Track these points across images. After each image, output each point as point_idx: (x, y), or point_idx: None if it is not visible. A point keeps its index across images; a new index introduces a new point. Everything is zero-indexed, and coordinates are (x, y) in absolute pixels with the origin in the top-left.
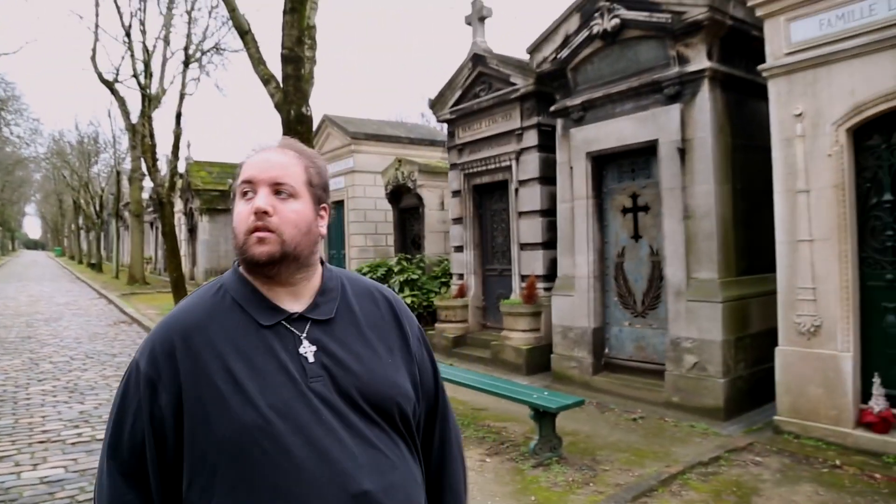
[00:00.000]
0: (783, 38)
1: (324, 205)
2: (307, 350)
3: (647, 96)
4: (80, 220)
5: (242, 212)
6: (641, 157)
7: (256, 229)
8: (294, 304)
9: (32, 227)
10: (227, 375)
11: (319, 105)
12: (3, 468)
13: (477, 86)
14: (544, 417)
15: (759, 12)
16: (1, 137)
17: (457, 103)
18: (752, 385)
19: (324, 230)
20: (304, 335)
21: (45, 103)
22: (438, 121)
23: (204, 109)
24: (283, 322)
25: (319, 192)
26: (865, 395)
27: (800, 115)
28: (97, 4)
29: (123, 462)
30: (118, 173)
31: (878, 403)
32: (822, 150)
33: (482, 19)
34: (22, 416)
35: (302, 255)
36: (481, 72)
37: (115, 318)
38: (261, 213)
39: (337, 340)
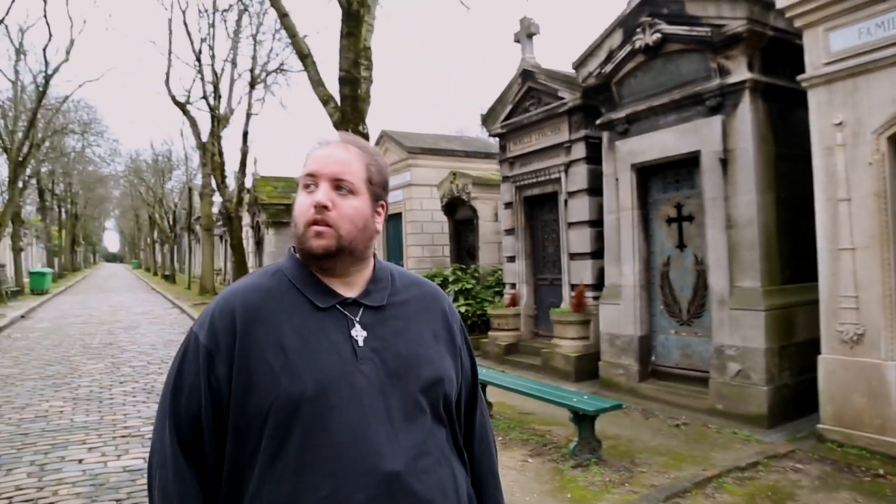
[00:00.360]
0: (822, 47)
1: (381, 202)
2: (359, 334)
3: (689, 108)
4: (155, 234)
5: (303, 203)
6: (685, 168)
7: (315, 222)
8: (348, 290)
9: (112, 240)
10: (278, 351)
11: (383, 120)
12: (93, 458)
13: (526, 100)
14: (583, 420)
15: (797, 23)
16: (84, 158)
17: (507, 118)
18: (797, 394)
19: (380, 226)
20: (357, 319)
21: (122, 124)
22: (490, 135)
23: (269, 126)
24: (337, 306)
25: (378, 189)
26: None
27: (840, 124)
28: (170, 32)
29: (181, 432)
30: (190, 189)
31: None
32: (863, 159)
33: (530, 36)
34: (106, 413)
35: (357, 249)
36: (530, 87)
37: (187, 327)
38: (320, 208)
39: (387, 326)
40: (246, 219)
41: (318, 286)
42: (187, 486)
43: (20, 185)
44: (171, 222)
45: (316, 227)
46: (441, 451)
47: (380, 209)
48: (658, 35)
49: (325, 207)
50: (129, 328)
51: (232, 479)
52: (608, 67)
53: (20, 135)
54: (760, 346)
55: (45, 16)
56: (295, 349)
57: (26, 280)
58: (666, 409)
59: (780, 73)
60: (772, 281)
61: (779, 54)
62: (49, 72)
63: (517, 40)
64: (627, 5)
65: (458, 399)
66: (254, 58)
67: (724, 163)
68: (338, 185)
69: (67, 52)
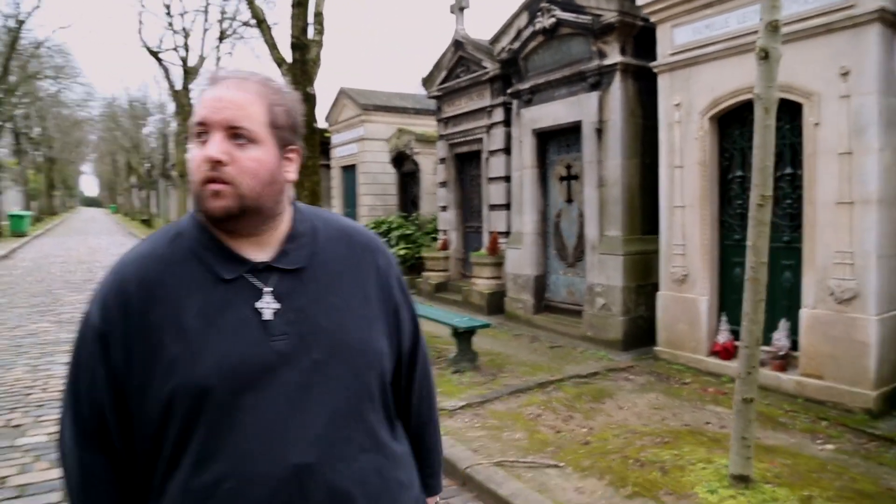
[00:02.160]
0: (668, 41)
1: (291, 147)
2: (268, 305)
3: (576, 84)
4: (133, 179)
5: (196, 157)
6: (573, 134)
7: (210, 180)
8: (259, 253)
9: (90, 185)
10: (177, 331)
11: (352, 74)
12: None
13: (458, 67)
14: (461, 335)
15: (652, 19)
16: (59, 101)
17: (443, 82)
18: (650, 324)
19: (291, 175)
20: (270, 288)
21: (97, 70)
22: (428, 97)
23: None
24: (245, 275)
25: (286, 133)
26: (718, 331)
27: (678, 104)
28: None
29: (82, 418)
30: (165, 136)
31: (723, 336)
32: (692, 134)
33: (462, 9)
34: None
35: (265, 206)
36: (461, 56)
37: None
38: (214, 163)
39: (307, 293)
40: None
41: (221, 253)
42: (91, 478)
43: None
44: (147, 168)
45: (212, 186)
46: (367, 434)
47: (290, 155)
48: (553, 19)
49: (220, 163)
50: (107, 266)
51: (142, 468)
52: (516, 45)
53: None
54: (619, 284)
55: None
56: (195, 329)
57: (5, 223)
58: (551, 336)
59: (649, 57)
60: (632, 231)
61: (650, 41)
62: (21, 17)
63: (452, 12)
64: None
65: (398, 361)
66: (223, 12)
67: (599, 132)
68: (234, 133)
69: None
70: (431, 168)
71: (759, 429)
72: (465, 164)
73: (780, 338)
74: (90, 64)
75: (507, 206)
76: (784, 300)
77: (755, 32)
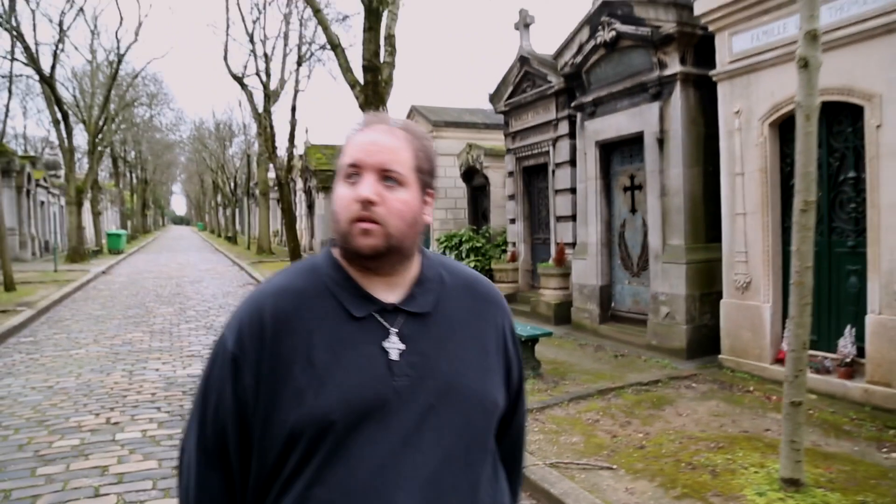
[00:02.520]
0: (727, 49)
1: (430, 191)
2: (394, 346)
3: (637, 95)
4: (219, 198)
5: (345, 196)
6: (635, 145)
7: (361, 219)
8: (389, 294)
9: (179, 204)
10: (306, 365)
11: (419, 92)
12: (166, 368)
13: (524, 83)
14: (524, 344)
15: (710, 28)
16: (152, 126)
17: (510, 97)
18: (714, 333)
19: (429, 218)
20: (396, 329)
21: (187, 95)
22: (496, 112)
23: (320, 95)
24: (374, 314)
25: (427, 177)
26: (783, 338)
27: (738, 112)
28: (227, 15)
29: (205, 437)
30: (248, 156)
31: (787, 344)
32: (753, 141)
33: (527, 25)
34: (175, 341)
35: (406, 246)
36: (527, 71)
37: (244, 281)
38: (366, 203)
39: (431, 337)
40: (300, 184)
41: (354, 291)
42: (207, 492)
43: (97, 154)
44: (232, 187)
45: (362, 225)
46: (471, 486)
47: (428, 198)
48: (614, 32)
49: (372, 203)
50: (194, 282)
51: (255, 491)
52: (578, 58)
53: (96, 109)
54: (682, 293)
55: (116, 1)
56: (323, 363)
57: (103, 241)
58: (616, 346)
59: (709, 66)
60: (695, 240)
61: (709, 50)
62: (121, 51)
63: (516, 28)
64: (592, 5)
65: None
66: (301, 37)
67: (661, 142)
68: (386, 175)
69: (136, 34)
70: (500, 181)
71: (821, 436)
72: (533, 177)
73: (846, 344)
74: (180, 89)
75: (573, 218)
76: (850, 306)
77: (826, 33)
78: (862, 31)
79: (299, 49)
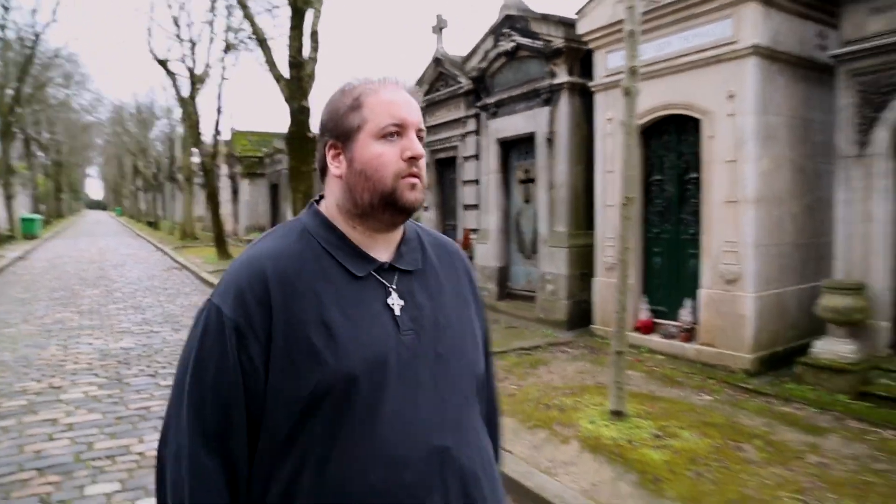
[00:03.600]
0: (603, 65)
1: None
2: (396, 302)
3: (532, 99)
4: (139, 182)
5: (387, 154)
6: (530, 143)
7: (412, 175)
8: (383, 253)
9: (94, 188)
10: (321, 326)
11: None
12: (99, 342)
13: (438, 82)
14: None
15: (590, 46)
16: (68, 107)
17: (426, 94)
18: (590, 307)
19: None
20: (394, 286)
21: (106, 76)
22: None
23: (247, 81)
24: (373, 272)
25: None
26: (640, 310)
27: (610, 119)
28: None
29: (204, 420)
30: (171, 140)
31: (644, 314)
32: (621, 143)
33: (442, 30)
34: (105, 320)
35: None
36: (441, 72)
37: (168, 265)
38: (415, 160)
39: (423, 292)
40: (225, 169)
41: (352, 251)
42: (205, 482)
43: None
44: (154, 171)
45: (411, 180)
46: (479, 423)
47: None
48: (513, 43)
49: (417, 159)
50: (117, 266)
51: (261, 466)
52: (484, 64)
53: (10, 91)
54: (564, 273)
55: None
56: (338, 324)
57: (17, 226)
58: (510, 319)
59: (592, 78)
60: (577, 227)
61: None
62: (37, 30)
63: (433, 32)
64: (497, 18)
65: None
66: (227, 27)
67: (550, 142)
68: (419, 135)
69: (54, 13)
70: None
71: (658, 386)
72: (445, 169)
73: (686, 314)
74: (99, 69)
75: (478, 206)
76: (690, 283)
77: (666, 60)
78: (701, 58)
79: (226, 37)
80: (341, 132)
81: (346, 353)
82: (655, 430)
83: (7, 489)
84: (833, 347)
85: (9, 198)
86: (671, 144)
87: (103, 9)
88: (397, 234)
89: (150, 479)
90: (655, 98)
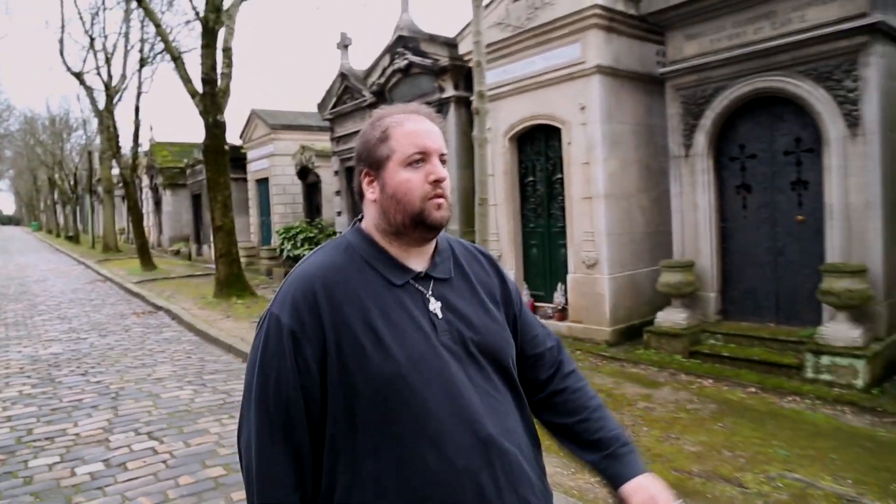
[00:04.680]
0: (482, 80)
1: None
2: (435, 307)
3: None
4: (56, 196)
5: (414, 179)
6: None
7: (438, 196)
8: (417, 263)
9: (6, 202)
10: (367, 329)
11: (262, 98)
12: (28, 350)
13: (345, 95)
14: None
15: (469, 64)
16: None
17: (333, 107)
18: None
19: None
20: (430, 293)
21: (15, 85)
22: (323, 119)
23: (166, 92)
24: (410, 281)
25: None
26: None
27: (489, 128)
28: (62, 13)
29: (269, 414)
30: (90, 152)
31: (524, 298)
32: (500, 151)
33: (346, 46)
34: (32, 330)
35: None
36: (346, 85)
37: (92, 278)
38: (440, 182)
39: (456, 298)
40: (146, 181)
41: (390, 262)
42: (272, 467)
43: None
44: (71, 184)
45: (437, 201)
46: (514, 412)
47: None
48: (406, 61)
49: (442, 181)
50: (39, 281)
51: (331, 453)
52: (382, 79)
53: None
54: None
55: None
56: (382, 327)
57: None
58: None
59: None
60: (468, 225)
61: None
62: None
63: (338, 48)
64: (392, 38)
65: (520, 355)
66: (142, 39)
67: None
68: (442, 158)
69: None
70: (331, 179)
71: None
72: (353, 176)
73: (558, 296)
74: (7, 77)
75: (339, 213)
76: (561, 269)
77: (532, 77)
78: (560, 76)
79: (141, 50)
80: (373, 161)
81: (392, 353)
82: None
83: None
84: (670, 317)
85: None
86: (541, 149)
87: (12, 17)
88: (430, 247)
89: (86, 452)
90: (526, 110)
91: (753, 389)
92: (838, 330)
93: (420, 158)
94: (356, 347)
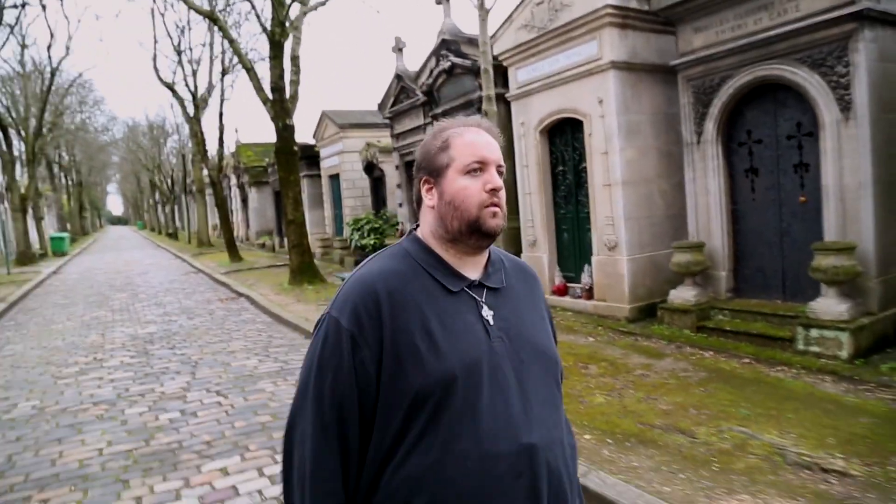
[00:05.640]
0: (515, 79)
1: None
2: (488, 314)
3: (469, 109)
4: (157, 196)
5: (471, 187)
6: None
7: (493, 205)
8: (473, 272)
9: (115, 204)
10: (424, 334)
11: (330, 96)
12: (129, 329)
13: (401, 95)
14: None
15: (504, 64)
16: (84, 129)
17: (392, 106)
18: None
19: None
20: (483, 300)
21: (117, 95)
22: (383, 118)
23: (250, 97)
24: (465, 289)
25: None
26: (555, 277)
27: (522, 123)
28: (154, 29)
29: (323, 411)
30: (183, 155)
31: (558, 279)
32: (531, 143)
33: (401, 50)
34: (133, 315)
35: None
36: (402, 86)
37: (186, 270)
38: (496, 191)
39: (508, 307)
40: (234, 179)
41: (447, 270)
42: (324, 465)
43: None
44: (169, 185)
45: (493, 209)
46: (561, 420)
47: None
48: (449, 63)
49: (498, 190)
50: (141, 273)
51: (378, 450)
52: (430, 80)
53: (33, 120)
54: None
55: (45, 17)
56: (439, 332)
57: (47, 244)
58: None
59: None
60: (511, 213)
61: None
62: (53, 65)
63: (393, 51)
64: (436, 41)
65: None
66: (223, 51)
67: None
68: (499, 170)
69: (67, 48)
70: (392, 173)
71: (565, 335)
72: (412, 169)
73: (585, 277)
74: (111, 89)
75: (401, 204)
76: (589, 252)
77: (557, 74)
78: (580, 72)
79: (223, 61)
80: (433, 169)
81: (447, 357)
82: None
83: (74, 413)
84: (681, 294)
85: (38, 219)
86: (568, 141)
87: (110, 36)
88: (484, 257)
89: (168, 405)
90: (554, 104)
91: (748, 360)
92: (827, 304)
93: (478, 168)
94: (413, 350)
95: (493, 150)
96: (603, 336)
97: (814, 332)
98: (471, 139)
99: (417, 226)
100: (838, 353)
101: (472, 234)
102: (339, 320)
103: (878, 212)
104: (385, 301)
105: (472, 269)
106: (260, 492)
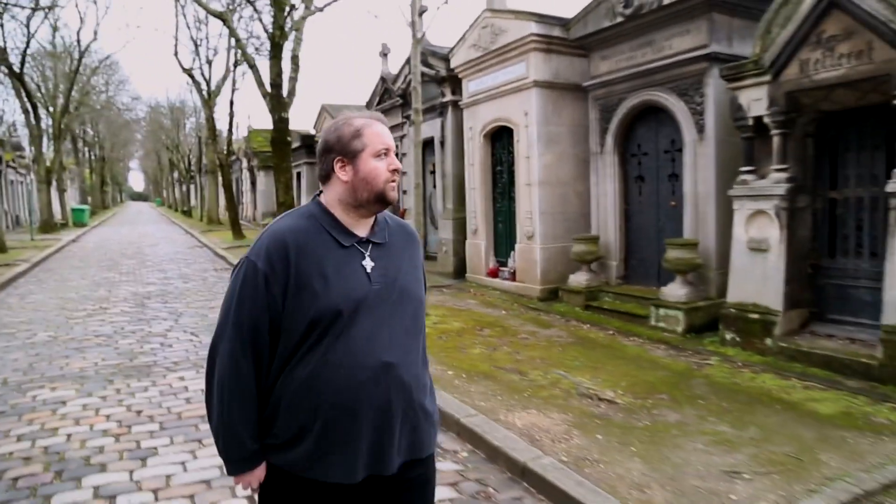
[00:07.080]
0: (467, 89)
1: None
2: (369, 264)
3: (433, 112)
4: (175, 175)
5: (380, 167)
6: (433, 145)
7: (393, 181)
8: (362, 231)
9: (136, 180)
10: (320, 277)
11: (329, 90)
12: (133, 288)
13: (384, 95)
14: None
15: (459, 76)
16: (109, 107)
17: (377, 104)
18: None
19: None
20: (368, 253)
21: (141, 74)
22: None
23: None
24: (355, 244)
25: None
26: (489, 261)
27: (471, 128)
28: (177, 20)
29: (241, 334)
30: (199, 137)
31: (491, 263)
32: (478, 145)
33: (385, 55)
34: (138, 277)
35: None
36: (385, 87)
37: (192, 245)
38: (397, 171)
39: (388, 258)
40: (245, 163)
41: (341, 229)
42: (241, 373)
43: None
44: (186, 165)
45: (393, 184)
46: (419, 355)
47: None
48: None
49: (397, 171)
50: (152, 245)
51: (280, 360)
52: (404, 85)
53: (61, 98)
54: (451, 238)
55: (76, 3)
56: (332, 275)
57: (69, 215)
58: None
59: None
60: (460, 205)
61: None
62: (81, 48)
63: (380, 55)
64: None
65: None
66: (232, 46)
67: (442, 143)
68: (396, 153)
69: (95, 33)
70: None
71: (481, 307)
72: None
73: (511, 262)
74: (135, 67)
75: (406, 192)
76: (515, 240)
77: (496, 88)
78: (512, 88)
79: (235, 53)
80: (348, 151)
81: (335, 295)
82: (437, 320)
83: (80, 341)
84: (577, 278)
85: (62, 191)
86: (505, 145)
87: (135, 20)
88: (372, 219)
89: (152, 340)
90: (494, 113)
91: (612, 332)
92: (672, 289)
93: (384, 152)
94: (311, 288)
95: (391, 139)
96: (514, 310)
97: (661, 311)
98: (378, 130)
99: (320, 193)
100: (676, 329)
101: (377, 202)
102: (256, 263)
103: (720, 216)
104: (292, 250)
105: (362, 228)
106: (202, 390)
